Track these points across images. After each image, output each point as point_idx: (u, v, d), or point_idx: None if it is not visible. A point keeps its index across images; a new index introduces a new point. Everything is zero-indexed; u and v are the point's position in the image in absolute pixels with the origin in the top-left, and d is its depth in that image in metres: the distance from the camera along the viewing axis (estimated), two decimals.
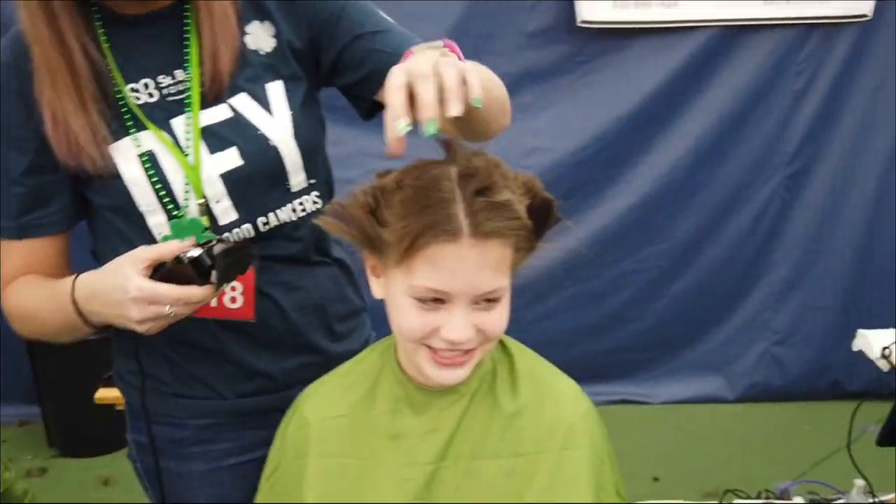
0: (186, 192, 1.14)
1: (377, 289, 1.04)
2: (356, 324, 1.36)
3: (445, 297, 0.96)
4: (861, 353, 2.22)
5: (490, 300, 0.97)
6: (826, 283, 3.51)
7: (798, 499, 2.64)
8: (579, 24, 3.19)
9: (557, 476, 1.01)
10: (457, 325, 0.95)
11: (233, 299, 1.18)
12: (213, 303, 1.16)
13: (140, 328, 1.07)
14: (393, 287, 0.99)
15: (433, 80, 0.82)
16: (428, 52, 0.93)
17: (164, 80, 1.15)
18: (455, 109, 0.82)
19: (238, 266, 1.11)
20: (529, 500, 1.00)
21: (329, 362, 1.21)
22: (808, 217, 3.47)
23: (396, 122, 0.82)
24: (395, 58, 1.12)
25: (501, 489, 1.01)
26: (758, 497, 2.70)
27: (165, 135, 1.14)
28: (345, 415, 1.07)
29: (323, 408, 1.09)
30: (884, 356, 2.02)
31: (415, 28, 3.66)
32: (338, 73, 1.22)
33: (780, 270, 3.53)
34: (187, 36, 1.15)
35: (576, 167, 3.30)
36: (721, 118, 3.35)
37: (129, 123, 1.14)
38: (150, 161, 1.14)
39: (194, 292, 1.05)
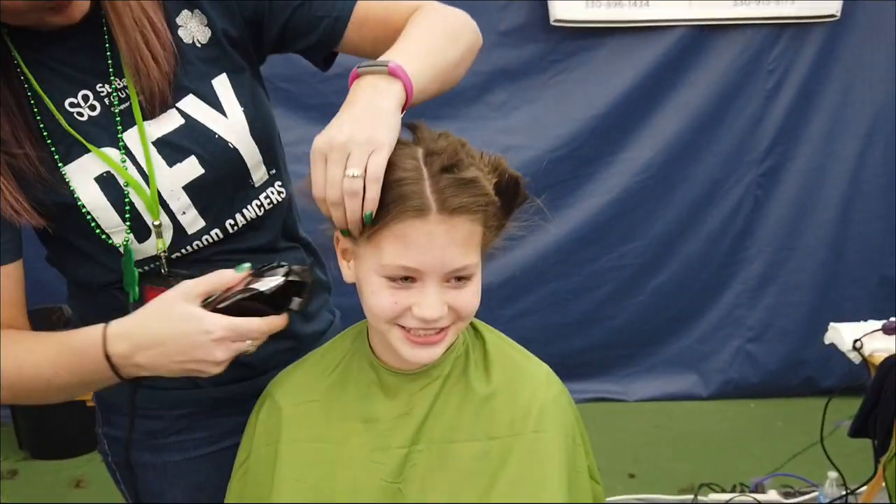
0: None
1: (348, 272, 1.04)
2: (322, 302, 1.35)
3: (416, 274, 0.95)
4: (833, 348, 2.25)
5: (461, 278, 0.97)
6: (799, 279, 3.54)
7: (772, 492, 2.66)
8: (552, 24, 3.20)
9: (531, 458, 1.01)
10: (429, 302, 0.95)
11: None
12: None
13: (217, 370, 1.02)
14: (363, 268, 0.99)
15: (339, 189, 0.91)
16: (356, 103, 0.96)
17: (104, 89, 1.09)
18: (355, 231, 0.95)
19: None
20: (503, 483, 1.00)
21: (301, 345, 1.20)
22: (781, 214, 3.50)
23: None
24: (340, 22, 1.15)
25: (475, 472, 1.00)
26: (732, 491, 2.71)
27: (112, 154, 1.08)
28: (317, 400, 1.07)
29: (295, 393, 1.08)
30: (855, 348, 2.05)
31: None
32: (285, 44, 1.20)
33: (753, 267, 3.55)
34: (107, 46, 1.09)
35: (551, 165, 3.31)
36: (694, 117, 3.38)
37: (77, 146, 1.08)
38: (107, 183, 1.08)
39: (277, 322, 1.02)
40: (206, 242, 1.15)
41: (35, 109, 1.06)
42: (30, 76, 1.06)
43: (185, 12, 1.11)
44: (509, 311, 3.36)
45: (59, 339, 1.05)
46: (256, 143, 1.15)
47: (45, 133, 1.06)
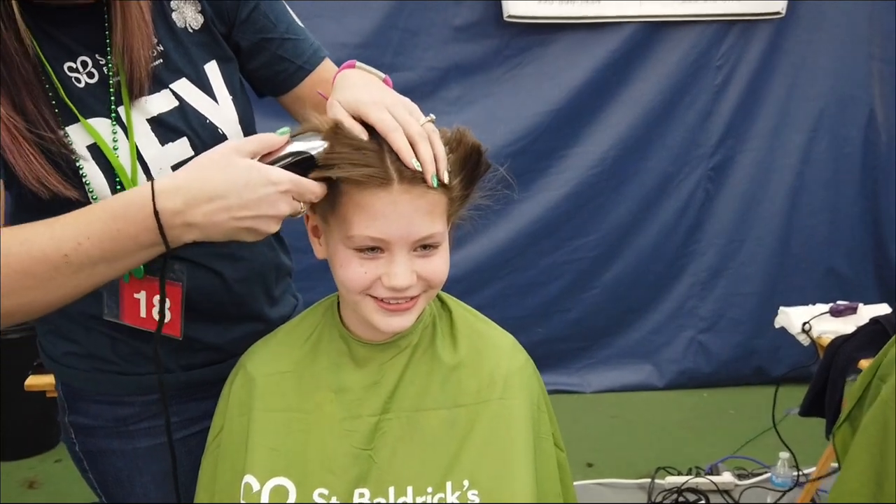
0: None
1: (319, 249, 1.06)
2: (286, 286, 1.37)
3: (383, 244, 0.97)
4: (783, 337, 2.30)
5: (428, 246, 0.99)
6: (749, 270, 3.61)
7: (727, 474, 2.71)
8: (506, 20, 3.23)
9: (497, 424, 1.03)
10: (398, 271, 0.97)
11: (159, 314, 1.11)
12: (143, 313, 1.12)
13: (276, 228, 0.96)
14: (332, 242, 1.01)
15: (426, 142, 0.96)
16: (375, 84, 1.03)
17: (103, 59, 1.09)
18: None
19: None
20: (471, 449, 1.02)
21: (269, 328, 1.21)
22: (731, 207, 3.57)
23: (412, 160, 0.95)
24: (302, 71, 1.22)
25: (443, 439, 1.02)
26: (688, 474, 2.76)
27: (100, 125, 1.08)
28: (289, 370, 1.08)
29: (267, 364, 1.09)
30: (804, 331, 2.10)
31: (342, 23, 3.65)
32: (239, 60, 1.23)
33: (705, 259, 3.62)
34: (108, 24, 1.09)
35: (505, 160, 3.31)
36: (645, 111, 3.43)
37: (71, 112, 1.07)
38: (97, 153, 1.07)
39: (323, 190, 0.97)
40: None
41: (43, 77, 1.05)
42: (32, 40, 1.03)
43: None
44: (466, 304, 3.36)
45: (89, 208, 0.96)
46: (244, 132, 1.17)
47: (50, 96, 1.06)
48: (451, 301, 1.14)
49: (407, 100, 1.02)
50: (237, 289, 1.23)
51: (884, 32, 3.43)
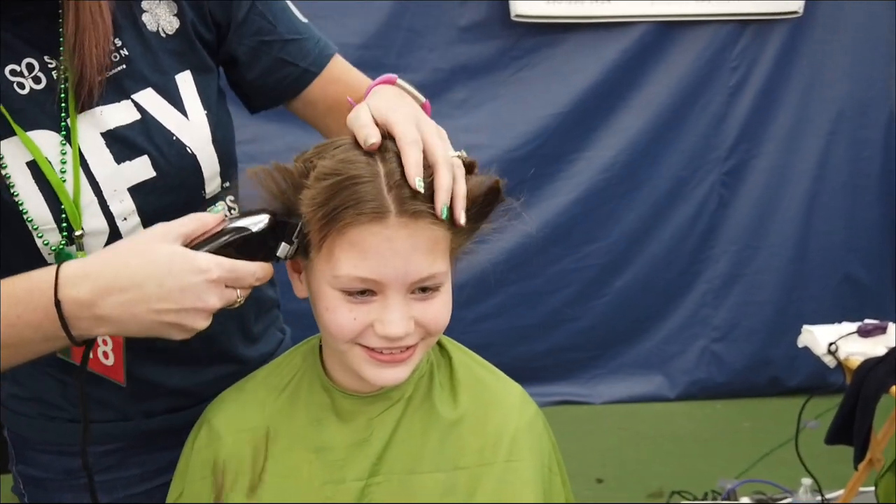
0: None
1: (299, 286, 0.94)
2: (270, 320, 1.24)
3: (376, 287, 0.86)
4: (803, 348, 2.21)
5: (428, 288, 0.88)
6: (764, 278, 3.53)
7: (745, 499, 2.62)
8: (513, 19, 3.16)
9: (502, 491, 0.92)
10: (392, 318, 0.85)
11: (105, 354, 1.01)
12: (91, 354, 0.99)
13: (204, 325, 0.85)
14: (316, 281, 0.89)
15: (448, 169, 0.86)
16: (411, 102, 0.94)
17: (52, 62, 0.97)
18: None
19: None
20: None
21: (245, 369, 1.09)
22: (745, 213, 3.49)
23: (417, 178, 0.84)
24: (308, 74, 1.10)
25: None
26: (704, 498, 2.68)
27: (43, 138, 0.96)
28: (262, 426, 0.96)
29: (237, 419, 0.97)
30: (830, 352, 2.01)
31: (345, 23, 3.59)
32: (233, 70, 1.12)
33: (718, 266, 3.54)
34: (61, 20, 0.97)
35: (513, 164, 3.25)
36: (657, 114, 3.35)
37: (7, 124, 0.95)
38: (38, 172, 0.94)
39: (269, 271, 0.87)
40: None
41: None
42: None
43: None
44: (471, 313, 3.29)
45: None
46: (217, 153, 1.05)
47: None
48: (452, 345, 1.02)
49: (442, 129, 0.91)
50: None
51: None
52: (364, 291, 0.86)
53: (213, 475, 0.95)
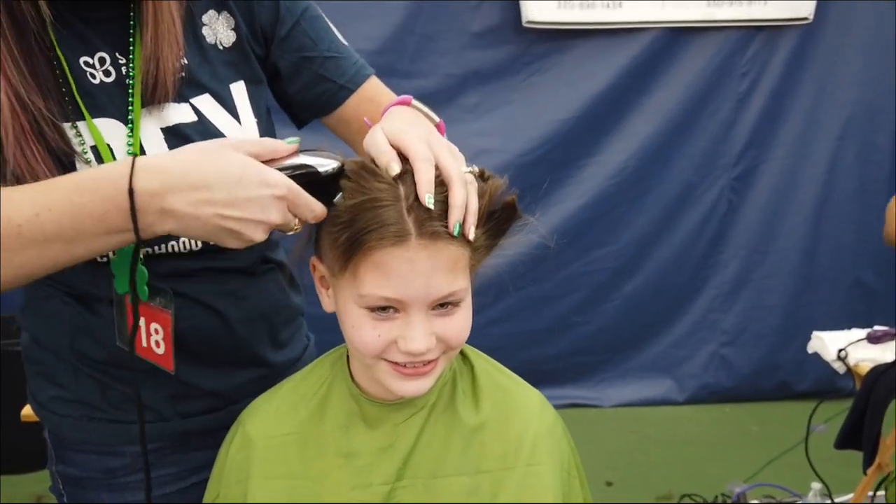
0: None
1: (327, 301, 0.97)
2: (296, 327, 1.27)
3: (399, 305, 0.88)
4: (812, 354, 2.22)
5: (448, 304, 0.91)
6: (773, 283, 3.54)
7: (754, 502, 2.63)
8: (525, 25, 3.17)
9: (523, 494, 0.94)
10: (415, 334, 0.88)
11: (157, 343, 1.03)
12: (144, 342, 1.03)
13: (261, 237, 0.87)
14: (342, 299, 0.92)
15: (462, 186, 0.88)
16: (424, 122, 0.97)
17: (122, 59, 1.02)
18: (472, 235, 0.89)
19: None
20: None
21: (273, 373, 1.13)
22: (755, 218, 3.50)
23: (427, 195, 0.86)
24: (345, 91, 1.15)
25: None
26: (714, 501, 2.68)
27: (109, 127, 1.00)
28: (292, 433, 0.98)
29: (268, 425, 1.00)
30: (839, 358, 2.02)
31: (359, 28, 3.61)
32: (275, 83, 1.16)
33: (727, 271, 3.54)
34: (133, 24, 1.03)
35: (524, 168, 3.27)
36: (667, 119, 3.36)
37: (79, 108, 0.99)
38: (96, 157, 0.99)
39: (324, 211, 0.88)
40: (183, 248, 1.06)
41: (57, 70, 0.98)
42: (51, 32, 0.96)
43: (212, 12, 1.07)
44: (481, 318, 3.25)
45: (60, 178, 0.86)
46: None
47: (62, 90, 0.98)
48: (473, 354, 1.05)
49: (454, 147, 0.93)
50: (239, 331, 1.13)
51: None
52: (387, 307, 0.89)
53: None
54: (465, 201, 0.87)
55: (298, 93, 1.16)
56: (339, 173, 0.90)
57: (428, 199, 0.85)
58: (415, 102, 1.02)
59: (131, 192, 0.82)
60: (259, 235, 0.87)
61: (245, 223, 0.85)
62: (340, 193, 0.89)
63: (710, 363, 3.58)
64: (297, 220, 0.89)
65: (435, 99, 3.28)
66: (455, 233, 0.86)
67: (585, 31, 3.24)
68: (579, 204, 3.39)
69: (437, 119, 1.02)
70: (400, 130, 0.91)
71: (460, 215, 0.87)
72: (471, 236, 0.88)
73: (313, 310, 1.21)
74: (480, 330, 3.42)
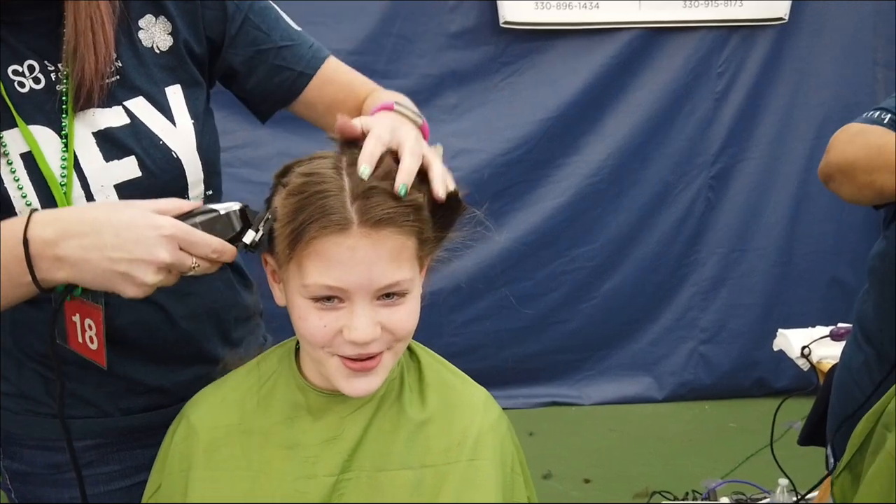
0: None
1: (279, 295, 0.98)
2: (251, 328, 1.28)
3: (342, 294, 0.90)
4: (782, 352, 2.24)
5: (394, 294, 0.92)
6: (750, 281, 3.55)
7: (724, 499, 2.65)
8: (502, 25, 3.18)
9: (465, 488, 0.96)
10: (358, 324, 0.89)
11: (91, 339, 1.04)
12: (80, 338, 1.05)
13: (151, 280, 0.88)
14: (289, 290, 0.93)
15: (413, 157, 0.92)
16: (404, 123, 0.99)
17: (52, 66, 1.03)
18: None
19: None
20: None
21: (226, 372, 1.13)
22: (732, 216, 3.51)
23: (364, 165, 0.89)
24: (304, 77, 1.16)
25: (407, 503, 0.95)
26: (685, 498, 2.70)
27: (39, 133, 1.02)
28: (236, 423, 0.99)
29: (212, 416, 1.01)
30: (803, 355, 2.04)
31: (336, 29, 3.61)
32: (233, 82, 1.18)
33: (705, 269, 3.56)
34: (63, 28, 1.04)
35: (503, 168, 3.28)
36: (645, 119, 3.38)
37: (9, 116, 1.01)
38: (31, 163, 1.01)
39: (228, 250, 0.92)
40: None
41: None
42: None
43: (150, 16, 1.08)
44: (461, 316, 3.32)
45: None
46: (201, 159, 1.10)
47: None
48: (421, 350, 1.06)
49: (425, 142, 0.96)
50: (184, 326, 1.15)
51: (888, 38, 3.37)
52: (331, 298, 0.90)
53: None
54: (414, 169, 0.90)
55: (258, 86, 1.17)
56: (244, 214, 0.93)
57: (363, 170, 0.87)
58: (397, 107, 1.04)
59: (26, 241, 0.86)
60: (150, 277, 0.88)
61: (134, 264, 0.87)
62: (250, 231, 0.92)
63: (688, 361, 3.59)
64: (194, 259, 0.90)
65: (413, 99, 3.23)
66: (401, 193, 0.88)
67: (563, 32, 3.24)
68: (558, 203, 3.40)
69: (419, 121, 1.04)
70: (373, 121, 0.94)
71: (406, 178, 0.89)
72: (441, 194, 0.90)
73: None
74: (461, 328, 3.45)
